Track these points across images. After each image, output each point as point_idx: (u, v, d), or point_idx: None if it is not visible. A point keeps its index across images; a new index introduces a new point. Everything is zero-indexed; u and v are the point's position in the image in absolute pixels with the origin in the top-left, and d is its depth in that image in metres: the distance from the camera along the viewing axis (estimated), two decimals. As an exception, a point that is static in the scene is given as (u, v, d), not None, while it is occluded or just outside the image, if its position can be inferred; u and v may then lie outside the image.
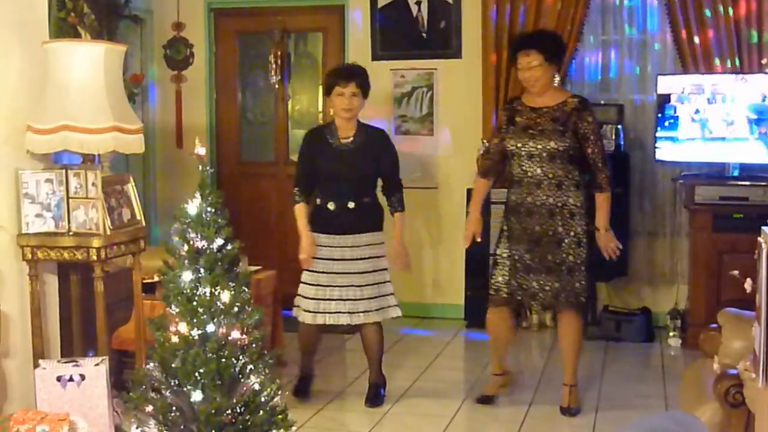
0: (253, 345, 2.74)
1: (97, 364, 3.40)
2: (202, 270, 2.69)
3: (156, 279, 4.19)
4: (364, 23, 6.47)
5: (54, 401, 3.32)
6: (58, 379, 3.34)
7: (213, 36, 6.87)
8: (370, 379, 4.67)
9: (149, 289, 4.34)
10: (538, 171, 4.30)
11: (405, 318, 6.36)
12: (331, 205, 4.48)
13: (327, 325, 4.55)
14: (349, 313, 4.48)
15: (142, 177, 6.64)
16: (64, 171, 3.70)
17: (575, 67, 6.14)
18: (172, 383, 2.67)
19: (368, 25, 6.47)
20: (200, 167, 2.77)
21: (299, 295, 4.54)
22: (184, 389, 2.65)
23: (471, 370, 5.23)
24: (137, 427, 2.74)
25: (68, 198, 3.68)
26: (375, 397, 4.60)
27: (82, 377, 3.36)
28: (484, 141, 5.74)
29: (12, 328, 3.66)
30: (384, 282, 4.55)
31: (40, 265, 3.71)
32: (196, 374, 2.62)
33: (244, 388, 2.71)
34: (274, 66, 6.63)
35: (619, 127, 5.88)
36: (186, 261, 2.70)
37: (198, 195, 2.74)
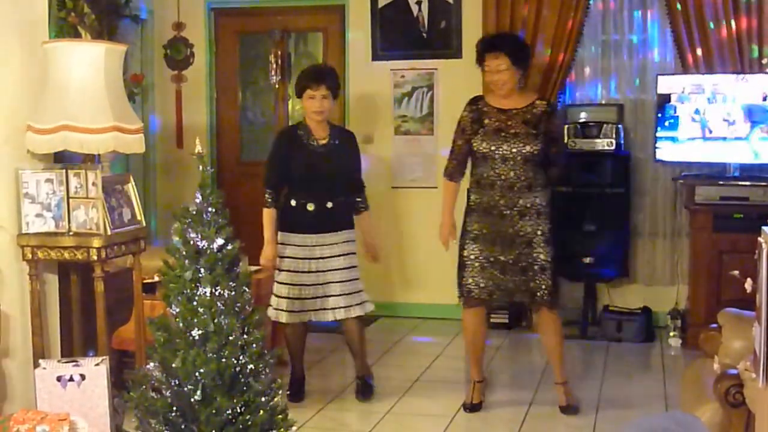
0: (254, 345, 2.74)
1: (97, 364, 3.40)
2: (202, 270, 2.68)
3: (156, 279, 4.19)
4: (365, 23, 6.48)
5: (54, 401, 3.31)
6: (59, 379, 3.34)
7: (213, 36, 6.87)
8: (358, 373, 4.75)
9: (149, 288, 4.34)
10: (512, 174, 4.35)
11: (405, 318, 6.38)
12: (310, 206, 4.55)
13: (312, 323, 4.66)
14: (332, 309, 4.57)
15: (142, 177, 6.64)
16: (64, 171, 3.70)
17: (575, 66, 6.14)
18: (173, 383, 2.67)
19: (368, 25, 6.47)
20: (200, 167, 2.77)
21: (277, 296, 4.58)
22: (185, 389, 2.65)
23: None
24: (137, 427, 2.74)
25: (68, 198, 3.68)
26: (366, 388, 4.68)
27: (83, 377, 3.35)
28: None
29: (12, 328, 3.65)
30: (358, 278, 4.67)
31: (40, 264, 3.71)
32: (197, 374, 2.62)
33: (245, 388, 2.71)
34: (274, 66, 6.63)
35: (619, 126, 5.88)
36: (186, 261, 2.70)
37: (198, 195, 2.74)
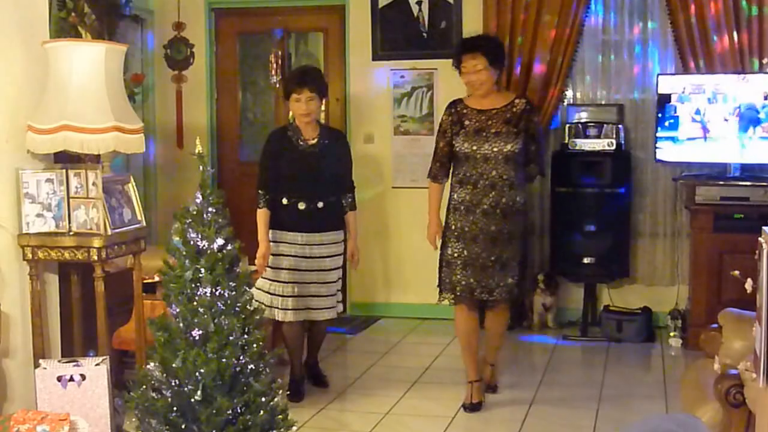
0: (254, 345, 2.74)
1: (97, 364, 3.40)
2: (202, 270, 2.68)
3: (156, 279, 4.19)
4: (365, 23, 6.47)
5: (54, 401, 3.31)
6: (59, 379, 3.34)
7: (213, 36, 6.87)
8: (308, 362, 4.90)
9: (150, 288, 4.34)
10: (494, 173, 4.43)
11: (405, 319, 6.37)
12: (301, 205, 4.60)
13: (308, 321, 4.73)
14: (316, 309, 4.64)
15: (142, 177, 6.64)
16: (64, 171, 3.70)
17: (576, 66, 6.14)
18: (173, 383, 2.67)
19: (369, 25, 6.47)
20: (200, 167, 2.77)
21: (273, 294, 4.60)
22: (185, 389, 2.65)
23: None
24: (138, 428, 2.74)
25: (69, 198, 3.68)
26: (320, 375, 4.90)
27: (83, 377, 3.35)
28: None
29: (12, 328, 3.65)
30: (339, 279, 4.76)
31: (40, 264, 3.71)
32: (197, 374, 2.62)
33: (245, 388, 2.71)
34: (274, 66, 6.63)
35: (620, 126, 5.88)
36: (187, 261, 2.70)
37: (198, 195, 2.74)
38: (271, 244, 4.63)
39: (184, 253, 2.71)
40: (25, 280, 3.68)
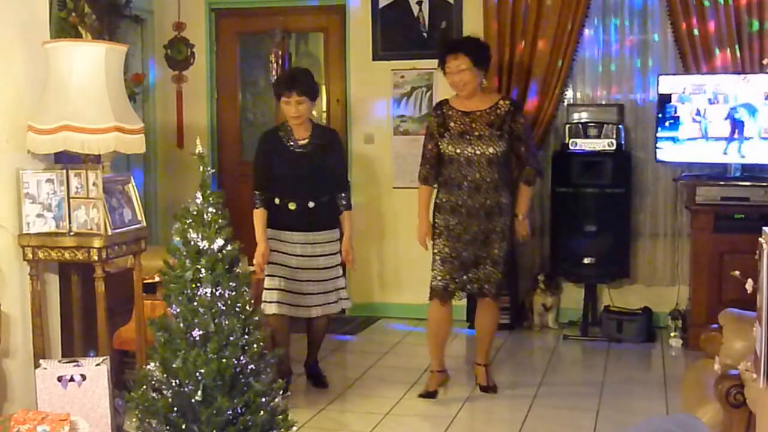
0: (254, 345, 2.74)
1: (98, 364, 3.39)
2: (203, 270, 2.68)
3: (157, 279, 4.19)
4: (365, 23, 6.47)
5: (55, 401, 3.31)
6: (59, 379, 3.34)
7: (214, 36, 6.87)
8: (308, 362, 4.94)
9: (150, 289, 4.34)
10: (477, 176, 4.49)
11: (405, 320, 6.37)
12: (291, 205, 4.64)
13: (293, 317, 4.76)
14: (308, 307, 4.68)
15: (143, 177, 6.64)
16: (65, 171, 3.70)
17: (576, 66, 6.14)
18: (173, 383, 2.67)
19: (369, 25, 6.47)
20: (201, 167, 2.77)
21: (266, 290, 4.68)
22: (186, 389, 2.65)
23: (472, 371, 5.22)
24: (138, 428, 2.74)
25: (69, 198, 3.68)
26: (320, 376, 4.90)
27: (83, 377, 3.35)
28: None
29: (13, 328, 3.65)
30: (337, 277, 4.77)
31: (41, 265, 3.71)
32: (197, 374, 2.62)
33: (245, 389, 2.71)
34: (274, 66, 6.63)
35: (620, 127, 5.88)
36: (187, 261, 2.70)
37: (199, 195, 2.74)
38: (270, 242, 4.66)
39: (185, 253, 2.71)
40: (26, 280, 3.68)
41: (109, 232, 3.63)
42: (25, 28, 3.71)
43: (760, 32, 5.68)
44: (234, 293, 2.72)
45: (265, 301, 4.65)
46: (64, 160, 3.86)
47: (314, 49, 6.98)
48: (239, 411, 2.66)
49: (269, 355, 2.79)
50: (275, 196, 4.67)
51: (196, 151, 2.79)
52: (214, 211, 2.73)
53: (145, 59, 6.77)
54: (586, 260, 5.89)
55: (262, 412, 2.71)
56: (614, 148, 5.82)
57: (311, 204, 4.64)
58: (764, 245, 2.59)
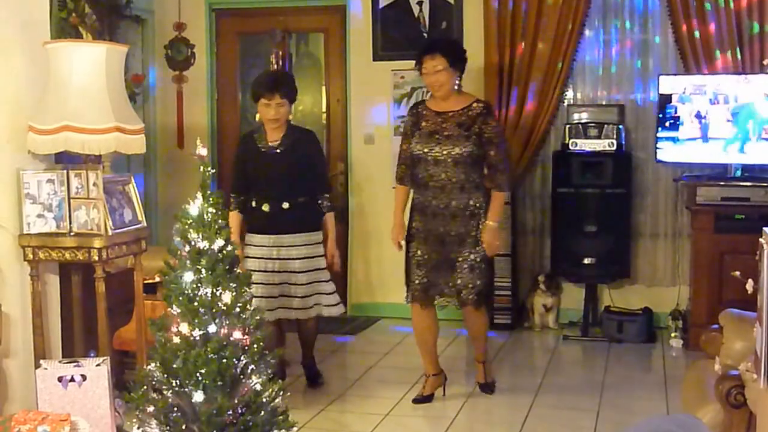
0: (255, 345, 2.74)
1: (98, 365, 3.40)
2: (203, 270, 2.69)
3: (157, 279, 4.19)
4: (366, 23, 6.47)
5: (55, 402, 3.32)
6: (60, 379, 3.34)
7: (214, 36, 6.87)
8: (304, 362, 4.93)
9: (150, 289, 4.34)
10: (443, 176, 4.45)
11: (405, 320, 6.37)
12: (265, 207, 4.62)
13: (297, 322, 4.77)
14: (294, 309, 4.65)
15: (143, 177, 6.64)
16: (65, 171, 3.70)
17: (576, 66, 6.14)
18: (174, 383, 2.67)
19: (369, 26, 6.47)
20: (201, 168, 2.77)
21: None
22: (186, 390, 2.65)
23: (472, 372, 5.22)
24: (138, 428, 2.74)
25: (69, 198, 3.68)
26: (316, 376, 4.89)
27: (84, 377, 3.35)
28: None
29: (13, 329, 3.66)
30: (320, 281, 4.69)
31: (41, 265, 3.71)
32: (198, 375, 2.62)
33: (245, 389, 2.71)
34: (275, 66, 6.62)
35: (620, 127, 5.87)
36: (187, 261, 2.70)
37: (199, 195, 2.74)
38: (245, 247, 4.67)
39: (185, 253, 2.71)
40: (26, 280, 3.69)
41: (110, 233, 3.64)
42: (26, 28, 3.71)
43: (761, 34, 5.69)
44: (234, 293, 2.72)
45: None
46: (65, 160, 3.87)
47: (314, 49, 6.98)
48: (239, 411, 2.67)
49: (269, 355, 2.79)
50: (252, 199, 4.67)
51: (197, 152, 2.79)
52: (214, 211, 2.73)
53: (146, 59, 6.77)
54: (587, 260, 5.88)
55: (262, 413, 2.71)
56: (615, 148, 5.82)
57: (285, 205, 4.60)
58: (764, 245, 2.59)
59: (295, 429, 2.85)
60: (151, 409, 2.69)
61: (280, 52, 6.66)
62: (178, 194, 6.46)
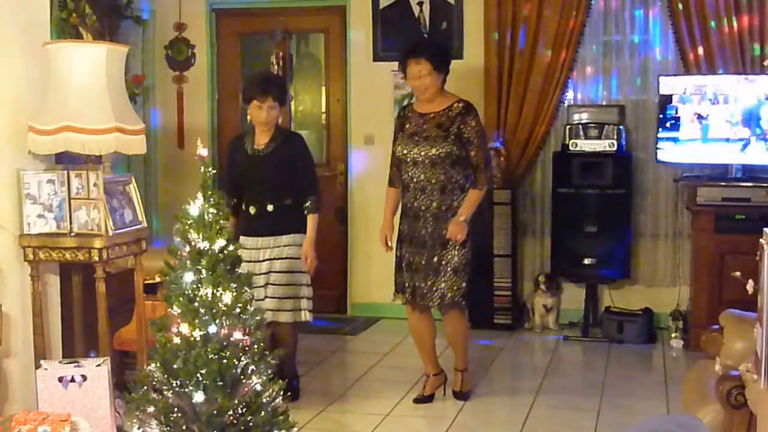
0: (255, 346, 2.74)
1: (98, 365, 3.40)
2: (203, 271, 2.69)
3: (157, 280, 4.19)
4: (366, 24, 6.47)
5: (55, 402, 3.32)
6: (60, 379, 3.34)
7: (214, 37, 6.87)
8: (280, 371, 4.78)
9: (151, 289, 4.34)
10: (422, 177, 4.43)
11: (406, 320, 6.37)
12: (251, 209, 4.59)
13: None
14: (273, 310, 4.55)
15: (143, 178, 6.64)
16: (65, 172, 3.70)
17: (577, 67, 6.14)
18: (174, 384, 2.67)
19: (370, 26, 6.47)
20: (202, 168, 2.77)
21: None
22: (186, 390, 2.65)
23: (474, 371, 5.22)
24: (139, 428, 2.74)
25: (70, 199, 3.68)
26: (291, 390, 4.63)
27: (84, 378, 3.36)
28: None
29: (13, 329, 3.66)
30: (299, 285, 4.57)
31: (41, 265, 3.72)
32: (198, 375, 2.62)
33: (246, 389, 2.71)
34: (275, 67, 6.62)
35: (621, 127, 5.87)
36: (187, 262, 2.71)
37: (200, 196, 2.74)
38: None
39: (185, 254, 2.71)
40: (26, 280, 3.69)
41: (110, 233, 3.64)
42: (26, 28, 3.72)
43: (761, 33, 5.69)
44: (234, 294, 2.72)
45: None
46: (65, 160, 3.87)
47: (315, 49, 6.98)
48: (239, 411, 2.67)
49: (270, 355, 2.79)
50: (242, 202, 4.66)
51: (198, 153, 2.79)
52: (214, 212, 2.73)
53: (146, 60, 6.77)
54: (587, 261, 5.88)
55: (262, 413, 2.71)
56: (615, 148, 5.82)
57: (270, 207, 4.55)
58: (765, 246, 2.59)
59: (295, 429, 2.85)
60: (151, 409, 2.69)
61: (281, 53, 6.66)
62: (179, 195, 6.46)
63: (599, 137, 5.85)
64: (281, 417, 2.79)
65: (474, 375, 4.96)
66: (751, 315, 3.06)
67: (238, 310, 2.71)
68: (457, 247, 4.40)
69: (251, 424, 2.68)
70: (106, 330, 3.73)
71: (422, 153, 4.40)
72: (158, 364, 2.70)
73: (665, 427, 2.09)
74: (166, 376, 2.68)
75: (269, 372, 2.77)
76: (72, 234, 3.66)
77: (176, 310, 2.69)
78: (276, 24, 6.68)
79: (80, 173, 3.67)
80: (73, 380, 3.35)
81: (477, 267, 5.84)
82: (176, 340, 2.67)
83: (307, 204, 4.60)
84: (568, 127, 5.94)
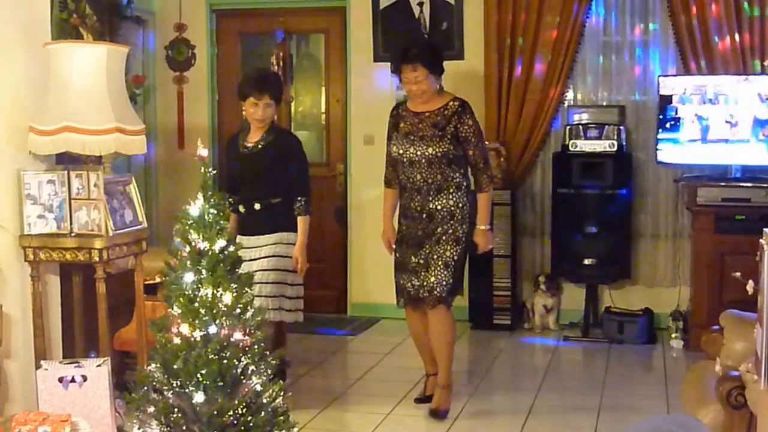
0: (255, 346, 2.74)
1: (99, 365, 3.40)
2: (203, 271, 2.69)
3: (158, 280, 4.19)
4: (366, 24, 6.47)
5: (56, 402, 3.32)
6: (60, 380, 3.34)
7: (215, 37, 6.87)
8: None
9: (151, 290, 4.34)
10: (418, 177, 4.37)
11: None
12: (241, 207, 4.56)
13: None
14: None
15: (143, 178, 6.65)
16: (66, 172, 3.70)
17: (576, 67, 6.14)
18: (174, 384, 2.67)
19: (370, 27, 6.47)
20: (202, 168, 2.77)
21: None
22: (186, 390, 2.65)
23: (474, 372, 5.23)
24: (139, 428, 2.74)
25: (70, 199, 3.68)
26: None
27: (84, 378, 3.36)
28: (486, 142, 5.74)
29: (14, 329, 3.66)
30: (284, 284, 4.52)
31: (42, 266, 3.72)
32: (198, 375, 2.62)
33: (246, 390, 2.71)
34: (276, 67, 6.63)
35: (621, 128, 5.88)
36: (188, 262, 2.71)
37: (200, 196, 2.74)
38: None
39: (186, 254, 2.71)
40: (27, 281, 3.69)
41: (110, 233, 3.64)
42: (27, 29, 3.72)
43: (762, 18, 5.67)
44: (235, 294, 2.72)
45: None
46: (66, 161, 3.87)
47: (315, 49, 6.98)
48: (240, 412, 2.67)
49: (270, 356, 2.79)
50: (236, 201, 4.64)
51: (198, 153, 2.79)
52: (215, 212, 2.73)
53: (146, 60, 6.78)
54: (587, 261, 5.89)
55: (262, 413, 2.71)
56: (615, 149, 5.82)
57: (257, 206, 4.52)
58: (765, 246, 2.59)
59: (295, 429, 2.85)
60: (151, 409, 2.69)
61: (281, 53, 6.67)
62: (179, 195, 6.46)
63: (599, 138, 5.85)
64: (281, 417, 2.79)
65: (476, 375, 4.96)
66: (751, 315, 3.06)
67: (238, 310, 2.71)
68: (451, 243, 4.35)
69: (251, 424, 2.68)
70: (106, 330, 3.73)
71: (418, 153, 4.35)
72: (158, 365, 2.70)
73: (665, 427, 2.09)
74: (166, 376, 2.68)
75: (269, 372, 2.77)
76: (72, 234, 3.66)
77: (176, 310, 2.69)
78: (276, 24, 6.68)
79: (81, 173, 3.67)
80: (73, 380, 3.35)
81: (476, 267, 5.89)
82: (176, 340, 2.67)
83: (297, 205, 4.53)
84: (568, 127, 5.94)
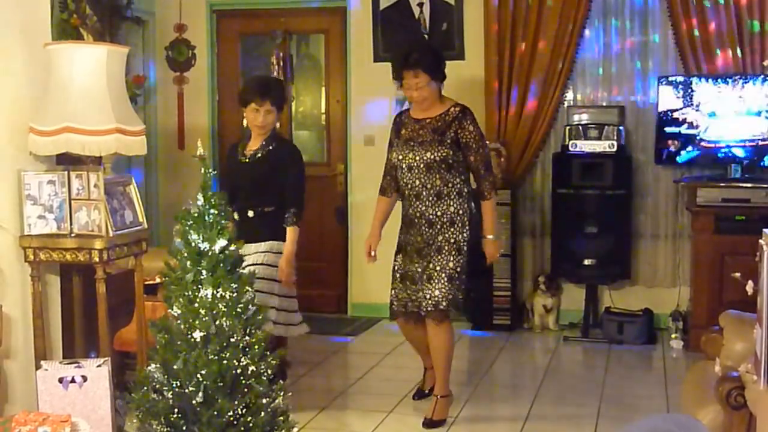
0: (255, 346, 2.74)
1: (99, 366, 3.40)
2: (204, 271, 2.69)
3: (158, 280, 4.19)
4: (366, 25, 6.48)
5: (56, 402, 3.32)
6: (60, 380, 3.34)
7: (215, 37, 6.88)
8: None
9: (151, 290, 4.34)
10: (417, 183, 4.31)
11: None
12: (235, 215, 4.51)
13: None
14: None
15: (144, 178, 6.65)
16: (66, 172, 3.70)
17: (576, 67, 6.14)
18: (174, 384, 2.67)
19: (370, 27, 6.47)
20: (202, 169, 2.77)
21: None
22: (186, 390, 2.65)
23: (474, 372, 5.23)
24: (139, 429, 2.75)
25: (70, 199, 3.68)
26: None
27: (84, 378, 3.35)
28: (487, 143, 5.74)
29: (14, 329, 3.66)
30: (270, 293, 4.43)
31: (42, 266, 3.72)
32: (198, 376, 2.62)
33: (246, 390, 2.71)
34: (276, 68, 6.63)
35: (621, 128, 5.88)
36: (188, 262, 2.71)
37: (200, 197, 2.75)
38: None
39: (186, 254, 2.72)
40: (27, 281, 3.69)
41: (111, 234, 3.64)
42: (27, 29, 3.72)
43: (761, 33, 5.69)
44: (235, 294, 2.73)
45: None
46: (66, 161, 3.87)
47: (315, 50, 6.99)
48: (240, 412, 2.67)
49: (270, 356, 2.79)
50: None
51: (197, 153, 2.80)
52: (215, 212, 2.74)
53: (147, 61, 6.78)
54: (587, 261, 5.89)
55: (262, 414, 2.71)
56: (615, 149, 5.82)
57: (250, 213, 4.48)
58: (765, 247, 2.59)
59: (295, 429, 2.85)
60: (151, 410, 2.70)
61: (281, 53, 6.67)
62: (179, 195, 6.47)
63: (599, 138, 5.85)
64: (281, 417, 2.79)
65: (476, 375, 4.96)
66: (751, 316, 3.06)
67: (238, 310, 2.71)
68: (453, 253, 4.27)
69: (251, 424, 2.68)
70: (106, 331, 3.73)
71: (417, 158, 4.28)
72: (158, 365, 2.70)
73: (665, 427, 2.09)
74: (166, 376, 2.69)
75: (269, 372, 2.77)
76: (72, 235, 3.66)
77: (176, 310, 2.70)
78: (276, 25, 6.68)
79: (81, 174, 3.67)
80: (73, 381, 3.34)
81: (476, 267, 5.88)
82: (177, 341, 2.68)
83: (286, 215, 4.45)
84: (567, 127, 5.94)
